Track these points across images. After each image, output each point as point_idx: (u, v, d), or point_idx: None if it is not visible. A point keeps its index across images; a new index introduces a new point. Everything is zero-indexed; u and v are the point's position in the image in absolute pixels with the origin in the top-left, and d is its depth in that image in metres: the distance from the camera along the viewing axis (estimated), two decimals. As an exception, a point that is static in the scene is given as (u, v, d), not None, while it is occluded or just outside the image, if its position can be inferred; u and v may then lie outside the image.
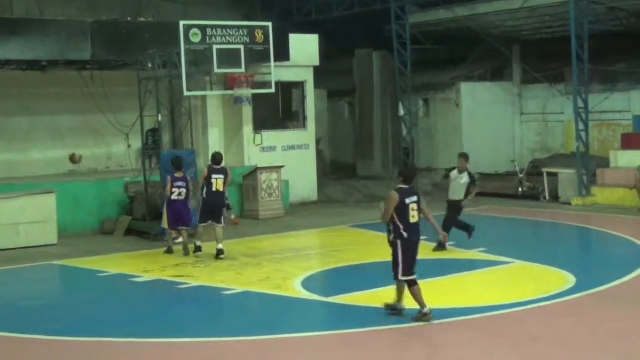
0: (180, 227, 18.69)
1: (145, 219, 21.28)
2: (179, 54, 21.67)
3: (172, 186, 18.46)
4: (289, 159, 26.17)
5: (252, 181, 24.23)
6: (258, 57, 23.31)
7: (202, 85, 23.97)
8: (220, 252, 17.90)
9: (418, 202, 12.31)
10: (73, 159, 20.39)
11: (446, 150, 31.62)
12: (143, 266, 17.50)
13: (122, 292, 15.71)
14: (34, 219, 20.31)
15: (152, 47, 21.82)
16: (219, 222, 18.05)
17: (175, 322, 13.01)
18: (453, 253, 17.78)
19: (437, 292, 14.39)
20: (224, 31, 22.59)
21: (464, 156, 18.23)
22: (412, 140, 30.26)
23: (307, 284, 15.20)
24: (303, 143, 27.20)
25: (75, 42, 22.65)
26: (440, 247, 17.34)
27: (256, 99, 24.26)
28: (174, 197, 18.48)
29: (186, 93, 22.36)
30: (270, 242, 20.25)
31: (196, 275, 16.40)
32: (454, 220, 18.11)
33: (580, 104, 25.35)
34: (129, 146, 25.32)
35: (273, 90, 24.09)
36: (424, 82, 31.23)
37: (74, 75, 24.76)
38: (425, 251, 16.57)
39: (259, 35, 23.13)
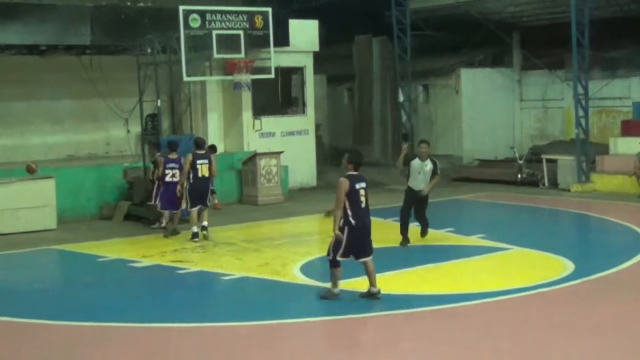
0: (173, 211, 19.05)
1: (143, 203, 21.28)
2: (178, 39, 21.64)
3: (165, 167, 18.85)
4: (288, 144, 26.16)
5: (251, 167, 24.22)
6: (257, 42, 23.29)
7: (201, 71, 23.96)
8: (204, 228, 18.39)
9: (366, 188, 12.77)
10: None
11: (446, 136, 31.64)
12: (142, 251, 17.52)
13: (121, 277, 15.74)
14: (33, 204, 20.32)
15: (151, 32, 21.81)
16: (205, 205, 18.55)
17: (174, 307, 13.02)
18: (452, 239, 17.79)
19: (436, 278, 14.44)
20: (224, 16, 22.57)
21: (427, 142, 17.41)
22: (411, 127, 30.25)
23: (306, 269, 15.20)
24: (302, 129, 27.18)
25: (75, 27, 22.64)
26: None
27: (255, 85, 24.24)
28: (167, 178, 18.87)
29: (185, 78, 22.36)
30: (269, 228, 20.26)
31: (195, 260, 16.43)
32: (425, 210, 17.20)
33: (580, 90, 25.31)
34: (128, 131, 25.37)
35: (272, 75, 24.08)
36: (424, 68, 31.20)
37: (73, 60, 24.74)
38: (424, 238, 16.64)
39: (259, 21, 23.10)
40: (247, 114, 26.01)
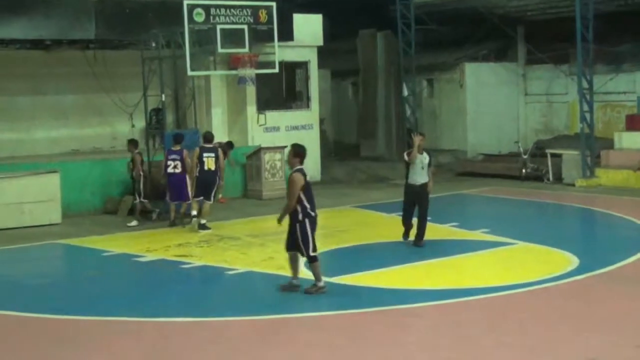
0: (179, 202, 19.47)
1: (148, 198, 21.30)
2: (182, 33, 21.61)
3: (167, 159, 19.27)
4: (293, 139, 25.95)
5: (256, 161, 24.23)
6: (262, 36, 23.25)
7: (205, 65, 23.91)
8: (202, 227, 18.72)
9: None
10: None
11: (450, 131, 31.62)
12: (146, 245, 17.54)
13: (125, 272, 15.78)
14: (38, 198, 20.36)
15: (155, 27, 21.81)
16: (208, 199, 18.89)
17: (178, 301, 13.04)
18: (456, 234, 17.80)
19: (440, 273, 14.46)
20: (228, 11, 22.52)
21: (423, 134, 16.84)
22: (415, 121, 30.22)
23: (311, 264, 15.22)
24: (306, 123, 27.18)
25: (79, 22, 22.61)
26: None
27: (260, 79, 24.23)
28: (169, 170, 19.29)
29: (190, 73, 22.32)
30: (274, 222, 20.19)
31: (199, 254, 16.45)
32: (427, 208, 16.51)
33: (585, 84, 25.27)
34: (133, 126, 25.38)
35: (277, 70, 24.04)
36: (428, 63, 31.16)
37: (77, 55, 24.73)
38: (429, 233, 16.63)
39: (263, 15, 23.05)
40: (251, 109, 26.00)
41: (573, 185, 24.94)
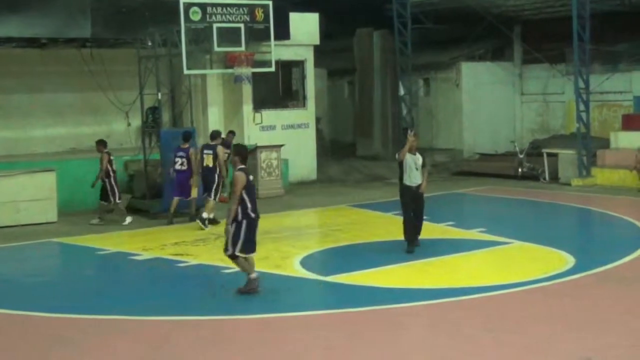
0: (183, 198, 19.78)
1: (144, 197, 21.32)
2: (179, 32, 21.62)
3: (175, 156, 19.66)
4: (289, 138, 26.15)
5: (252, 160, 24.14)
6: (258, 35, 23.26)
7: (202, 64, 23.89)
8: (203, 221, 18.95)
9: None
10: None
11: (446, 130, 31.63)
12: (142, 244, 17.53)
13: (121, 270, 15.76)
14: (34, 196, 20.34)
15: (152, 25, 21.80)
16: (209, 195, 19.27)
17: (174, 300, 13.02)
18: (452, 233, 17.80)
19: (436, 272, 14.46)
20: (224, 9, 22.54)
21: (417, 134, 16.35)
22: (412, 120, 30.22)
23: (306, 263, 15.23)
24: (303, 122, 27.18)
25: (75, 20, 22.60)
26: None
27: (256, 78, 24.21)
28: (177, 166, 19.62)
29: (186, 71, 22.34)
30: (270, 221, 20.21)
31: (195, 253, 16.43)
32: (423, 208, 16.13)
33: (581, 84, 25.30)
34: (129, 124, 25.38)
35: (273, 69, 24.06)
36: (425, 62, 31.15)
37: (73, 53, 24.72)
38: (424, 232, 16.62)
39: (259, 14, 23.07)
40: (247, 107, 26.00)
41: (569, 184, 24.96)
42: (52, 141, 25.35)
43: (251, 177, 12.83)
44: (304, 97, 27.56)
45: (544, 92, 31.36)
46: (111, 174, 20.11)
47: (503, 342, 10.41)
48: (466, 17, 30.07)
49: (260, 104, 26.31)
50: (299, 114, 27.25)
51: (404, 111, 30.37)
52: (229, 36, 22.47)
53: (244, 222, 12.64)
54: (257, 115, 26.04)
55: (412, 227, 15.85)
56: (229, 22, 22.53)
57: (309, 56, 27.45)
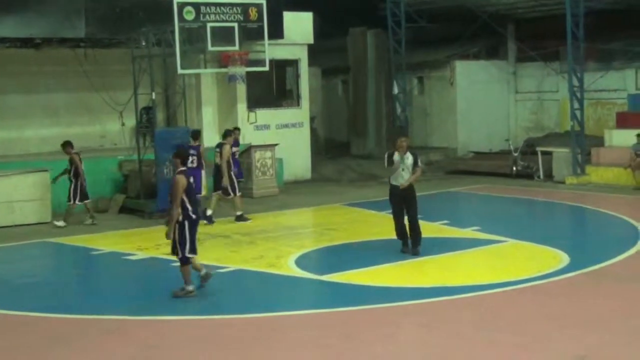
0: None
1: (139, 196, 21.30)
2: (172, 31, 21.59)
3: None
4: (283, 137, 26.16)
5: (246, 159, 24.21)
6: (252, 34, 23.22)
7: (196, 63, 23.91)
8: (239, 218, 19.76)
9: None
10: None
11: (440, 128, 31.65)
12: (137, 244, 17.51)
13: (115, 270, 15.74)
14: (28, 196, 20.32)
15: (146, 25, 21.82)
16: (225, 193, 19.75)
17: (169, 300, 13.00)
18: (447, 232, 17.81)
19: (431, 271, 14.47)
20: (218, 9, 22.50)
21: (406, 135, 16.38)
22: (406, 119, 30.23)
23: (301, 262, 15.22)
24: (297, 121, 27.19)
25: (70, 20, 22.59)
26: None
27: (250, 77, 24.21)
28: (188, 164, 19.40)
29: (180, 71, 22.30)
30: (264, 220, 20.25)
31: (190, 253, 16.39)
32: (415, 210, 15.67)
33: (575, 82, 25.32)
34: (123, 124, 25.33)
35: (267, 68, 24.03)
36: (419, 61, 31.18)
37: (68, 53, 24.70)
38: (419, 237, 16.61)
39: (253, 13, 23.03)
40: (241, 107, 25.99)
41: (563, 182, 24.99)
42: (46, 141, 25.30)
43: (191, 179, 13.03)
44: (298, 96, 27.58)
45: (538, 91, 31.40)
46: (80, 174, 19.95)
47: (497, 341, 10.42)
48: (460, 15, 30.09)
49: (254, 103, 26.31)
50: (293, 113, 27.26)
51: (398, 110, 30.37)
52: (223, 35, 22.45)
53: (186, 222, 12.73)
54: (252, 114, 26.04)
55: (401, 226, 15.71)
56: (223, 21, 22.50)
57: (303, 55, 27.46)
